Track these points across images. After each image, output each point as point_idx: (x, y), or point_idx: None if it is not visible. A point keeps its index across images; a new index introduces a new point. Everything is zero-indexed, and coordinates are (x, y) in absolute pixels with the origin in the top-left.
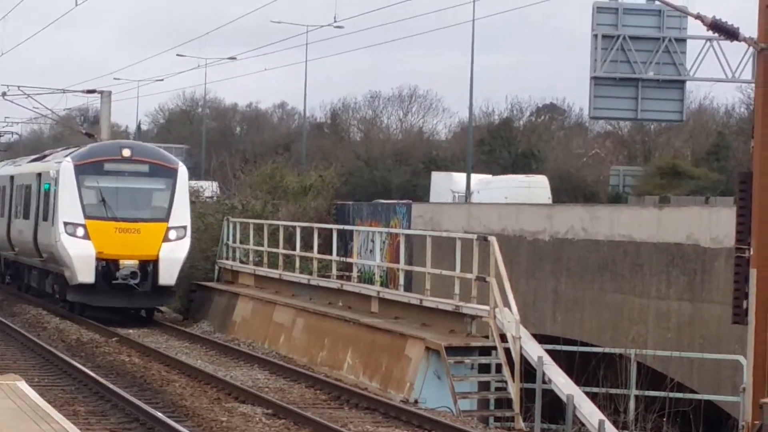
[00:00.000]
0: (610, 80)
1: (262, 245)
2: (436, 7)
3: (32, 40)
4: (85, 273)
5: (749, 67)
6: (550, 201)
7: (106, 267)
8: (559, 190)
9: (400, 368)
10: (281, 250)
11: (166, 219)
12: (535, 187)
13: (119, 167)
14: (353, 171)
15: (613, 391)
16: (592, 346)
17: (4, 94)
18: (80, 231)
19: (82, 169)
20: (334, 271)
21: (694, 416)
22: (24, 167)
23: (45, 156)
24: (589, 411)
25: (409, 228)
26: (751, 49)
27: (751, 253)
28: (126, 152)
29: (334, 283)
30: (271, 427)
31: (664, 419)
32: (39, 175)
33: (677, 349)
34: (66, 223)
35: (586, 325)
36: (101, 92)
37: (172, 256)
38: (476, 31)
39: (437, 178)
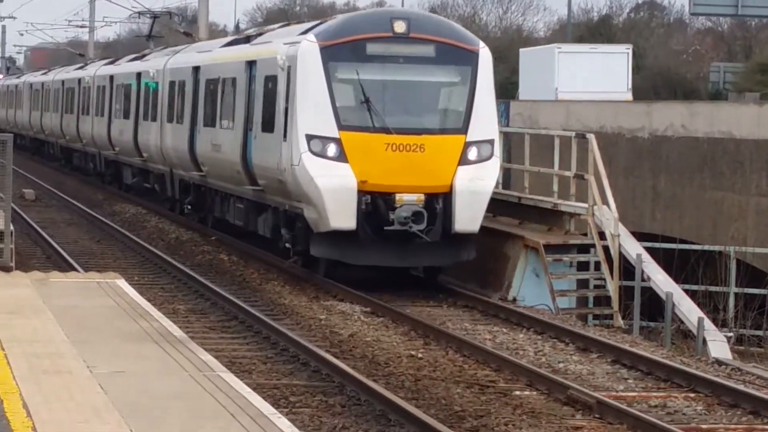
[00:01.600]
0: None
1: None
2: None
3: None
4: (341, 214)
5: None
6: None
7: (374, 205)
8: (659, 87)
9: (499, 267)
10: None
11: (464, 130)
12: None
13: (390, 49)
14: None
15: (712, 288)
16: (692, 243)
17: None
18: (332, 149)
19: (332, 53)
20: None
21: None
22: (186, 56)
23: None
24: (688, 308)
25: (507, 126)
26: None
27: None
28: (400, 26)
29: None
30: (370, 325)
31: (764, 317)
32: (250, 63)
33: None
34: (310, 137)
35: (685, 223)
36: None
37: (474, 187)
38: None
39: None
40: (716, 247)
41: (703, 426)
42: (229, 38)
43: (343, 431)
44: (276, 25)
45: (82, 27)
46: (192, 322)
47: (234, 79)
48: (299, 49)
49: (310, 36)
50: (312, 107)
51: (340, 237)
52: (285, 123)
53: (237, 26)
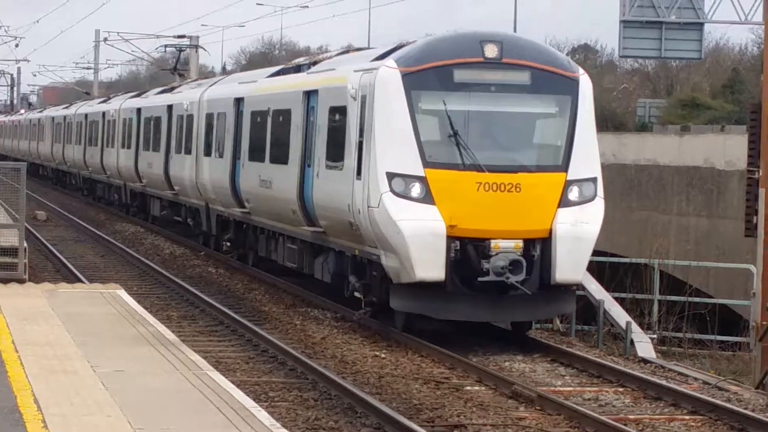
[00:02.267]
0: (637, 23)
1: None
2: None
3: None
4: (428, 264)
5: (760, 10)
6: None
7: (464, 252)
8: None
9: None
10: None
11: (564, 167)
12: None
13: (480, 76)
14: None
15: (638, 296)
16: (621, 257)
17: (105, 39)
18: (417, 189)
19: (415, 81)
20: None
21: (709, 318)
22: (225, 87)
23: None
24: (617, 314)
25: None
26: None
27: (761, 174)
28: (491, 50)
29: None
30: (339, 329)
31: (684, 321)
32: (309, 93)
33: (695, 260)
34: (391, 175)
35: (616, 239)
36: (190, 37)
37: (577, 232)
38: None
39: None
40: (642, 260)
41: (631, 416)
42: (277, 68)
43: (316, 422)
44: (333, 52)
45: (87, 69)
46: (184, 327)
47: (288, 111)
48: (377, 76)
49: (390, 61)
50: (393, 142)
51: (425, 288)
52: (359, 159)
53: (224, 68)
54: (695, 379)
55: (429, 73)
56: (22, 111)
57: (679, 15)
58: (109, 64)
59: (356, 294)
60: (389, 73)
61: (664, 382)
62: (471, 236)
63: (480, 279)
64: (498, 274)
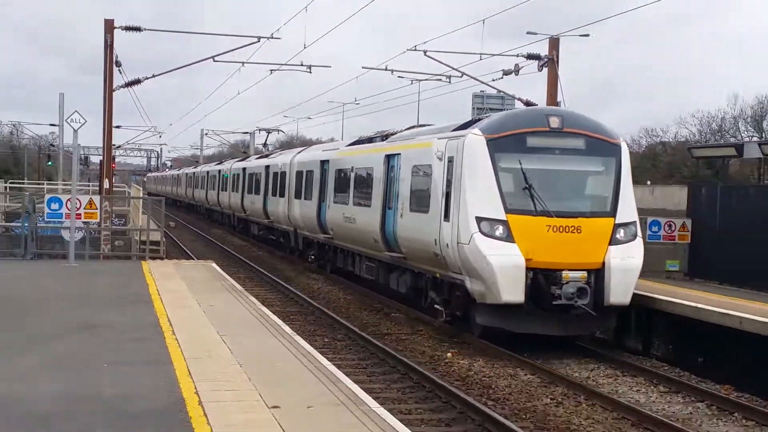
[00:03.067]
0: None
1: None
2: None
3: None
4: (511, 289)
5: None
6: None
7: (537, 280)
8: None
9: None
10: None
11: (613, 213)
12: None
13: (547, 142)
14: None
15: None
16: None
17: (206, 133)
18: (500, 230)
19: (497, 145)
20: None
21: None
22: (312, 154)
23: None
24: None
25: None
26: None
27: None
28: (555, 122)
29: None
30: (330, 284)
31: None
32: (389, 156)
33: None
34: (480, 219)
35: None
36: (269, 130)
37: (626, 265)
38: None
39: None
40: None
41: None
42: (350, 140)
43: (318, 335)
44: (402, 129)
45: (197, 148)
46: (246, 283)
47: (371, 168)
48: (466, 141)
49: (476, 130)
50: (480, 192)
51: (505, 308)
52: (446, 205)
53: (266, 146)
54: None
55: (508, 139)
56: (166, 171)
57: None
58: (207, 146)
59: (436, 306)
60: (476, 139)
61: None
62: (543, 267)
63: (555, 302)
64: (568, 298)
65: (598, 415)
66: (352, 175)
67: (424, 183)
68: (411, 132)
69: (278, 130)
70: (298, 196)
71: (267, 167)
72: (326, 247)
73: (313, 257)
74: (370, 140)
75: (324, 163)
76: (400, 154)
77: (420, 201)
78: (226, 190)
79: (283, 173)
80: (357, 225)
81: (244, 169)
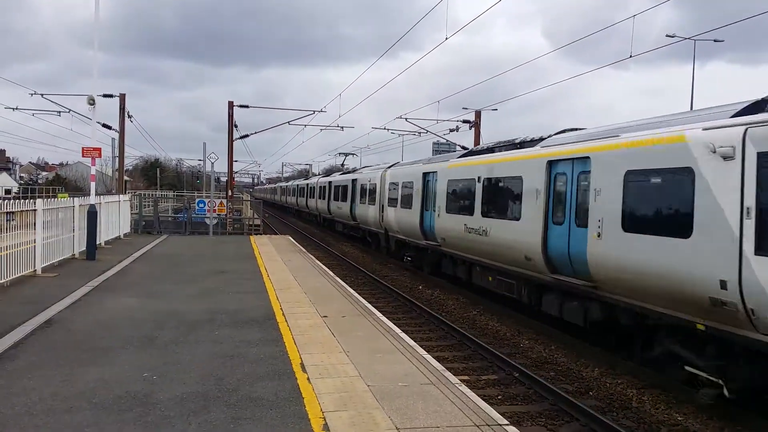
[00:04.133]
0: None
1: None
2: None
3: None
4: None
5: None
6: None
7: None
8: None
9: None
10: None
11: None
12: None
13: None
14: None
15: None
16: None
17: (284, 164)
18: None
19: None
20: None
21: None
22: (409, 169)
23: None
24: None
25: None
26: None
27: None
28: None
29: None
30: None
31: None
32: (551, 162)
33: None
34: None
35: None
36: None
37: None
38: None
39: None
40: None
41: None
42: (461, 152)
43: (348, 278)
44: (551, 134)
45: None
46: (322, 258)
47: (520, 178)
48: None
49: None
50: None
51: None
52: (742, 226)
53: (309, 167)
54: None
55: None
56: (266, 185)
57: None
58: (285, 171)
59: (692, 371)
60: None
61: None
62: None
63: None
64: None
65: None
66: (479, 185)
67: (664, 194)
68: (587, 132)
69: (353, 154)
70: (392, 204)
71: (354, 180)
72: (428, 251)
73: (409, 258)
74: (490, 150)
75: (427, 175)
76: (588, 157)
77: (655, 220)
78: (313, 198)
79: (373, 185)
80: (490, 239)
81: (330, 182)
